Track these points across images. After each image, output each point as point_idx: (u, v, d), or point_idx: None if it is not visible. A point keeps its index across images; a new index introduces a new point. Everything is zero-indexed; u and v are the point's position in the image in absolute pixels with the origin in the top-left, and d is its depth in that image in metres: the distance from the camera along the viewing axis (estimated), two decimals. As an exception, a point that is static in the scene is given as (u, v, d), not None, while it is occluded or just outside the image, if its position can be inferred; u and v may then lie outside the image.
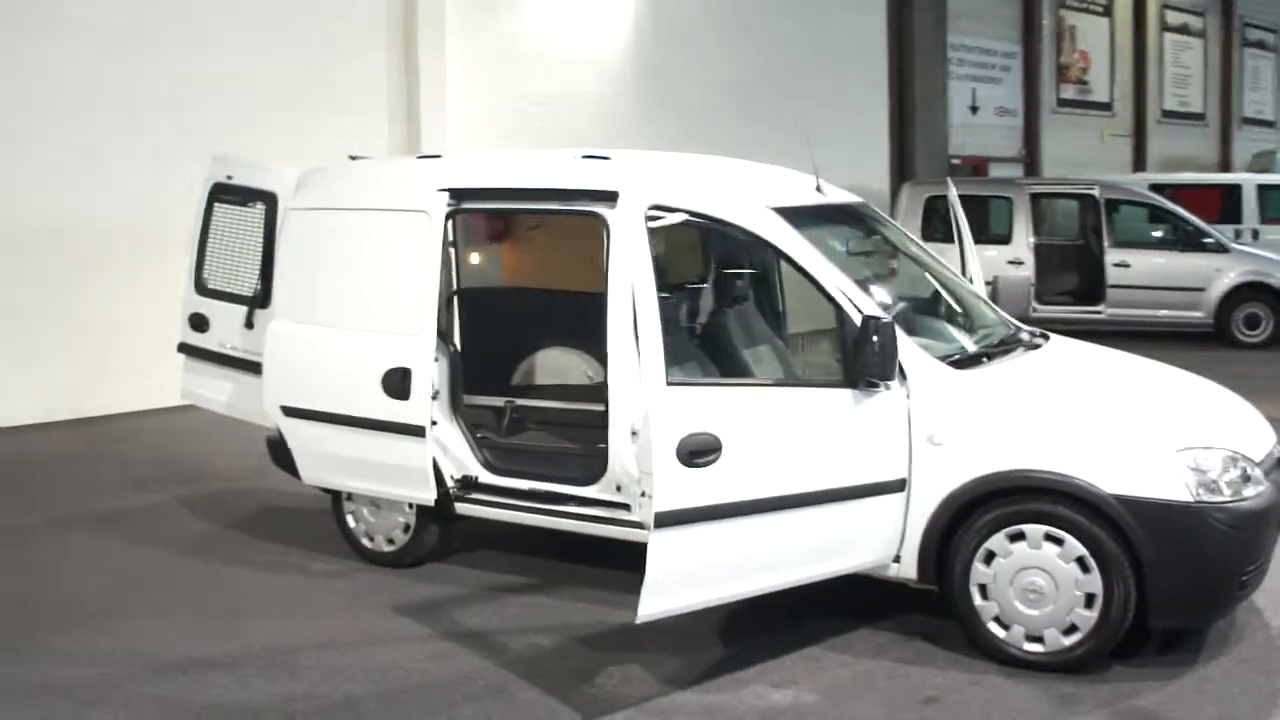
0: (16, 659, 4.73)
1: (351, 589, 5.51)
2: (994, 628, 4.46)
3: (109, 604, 5.35)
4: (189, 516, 6.70)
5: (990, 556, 4.43)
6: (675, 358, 4.08)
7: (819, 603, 4.99)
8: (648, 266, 3.83)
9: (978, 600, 4.47)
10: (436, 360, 5.38)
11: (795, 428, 4.25)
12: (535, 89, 12.32)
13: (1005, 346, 5.17)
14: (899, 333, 4.53)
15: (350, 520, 5.88)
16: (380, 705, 4.28)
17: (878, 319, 4.26)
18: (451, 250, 6.01)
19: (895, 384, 4.48)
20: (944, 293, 5.74)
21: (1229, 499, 4.24)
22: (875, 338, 4.22)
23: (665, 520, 3.83)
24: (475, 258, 6.55)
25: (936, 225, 13.08)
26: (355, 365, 5.47)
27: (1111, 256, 12.37)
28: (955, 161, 16.52)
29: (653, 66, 13.04)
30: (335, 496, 5.91)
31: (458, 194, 5.39)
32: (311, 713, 4.23)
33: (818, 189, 5.39)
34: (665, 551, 3.86)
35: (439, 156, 5.61)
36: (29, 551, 6.15)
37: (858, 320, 4.32)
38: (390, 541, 5.77)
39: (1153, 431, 4.37)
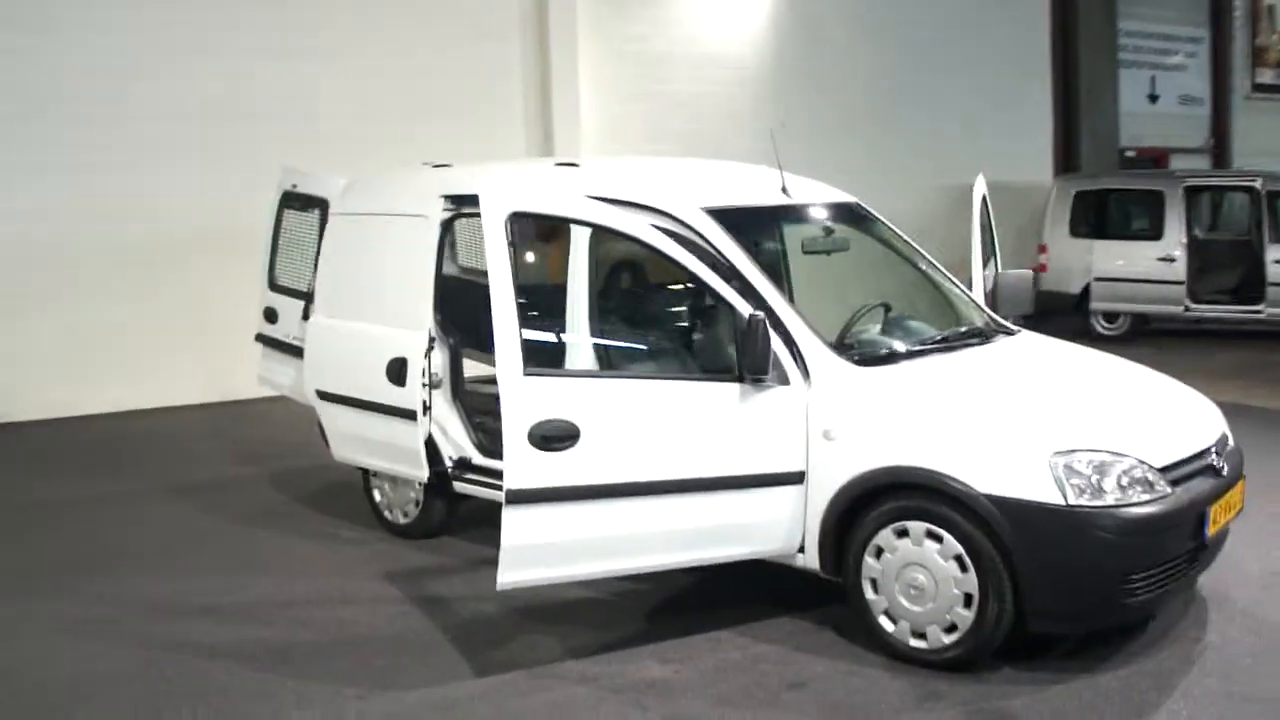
0: (49, 597, 5.60)
1: (360, 555, 6.12)
2: (884, 621, 4.54)
3: (153, 558, 6.19)
4: (264, 489, 7.54)
5: (880, 551, 4.51)
6: (546, 350, 4.39)
7: (753, 590, 5.21)
8: (505, 266, 4.19)
9: (869, 594, 4.56)
10: (438, 350, 5.90)
11: (671, 419, 4.47)
12: (671, 90, 12.64)
13: (946, 343, 5.19)
14: (805, 331, 4.71)
15: (376, 494, 6.51)
16: (313, 651, 4.85)
17: (752, 316, 4.43)
18: (511, 250, 6.55)
19: (799, 379, 4.65)
20: (920, 290, 5.78)
21: (1111, 504, 4.15)
22: (749, 333, 4.40)
23: (515, 498, 4.17)
24: (529, 257, 7.04)
25: (1085, 220, 12.56)
26: (368, 355, 6.05)
27: (1273, 253, 11.48)
28: (1129, 153, 15.60)
29: (791, 64, 13.10)
30: (364, 473, 6.55)
31: (457, 200, 5.89)
32: (259, 652, 4.84)
33: (783, 190, 5.54)
34: (517, 527, 4.20)
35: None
36: (115, 511, 7.13)
37: (740, 317, 4.51)
38: (405, 515, 6.35)
39: (1031, 433, 4.32)
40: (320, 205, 6.90)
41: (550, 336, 4.89)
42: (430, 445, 5.83)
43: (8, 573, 6.00)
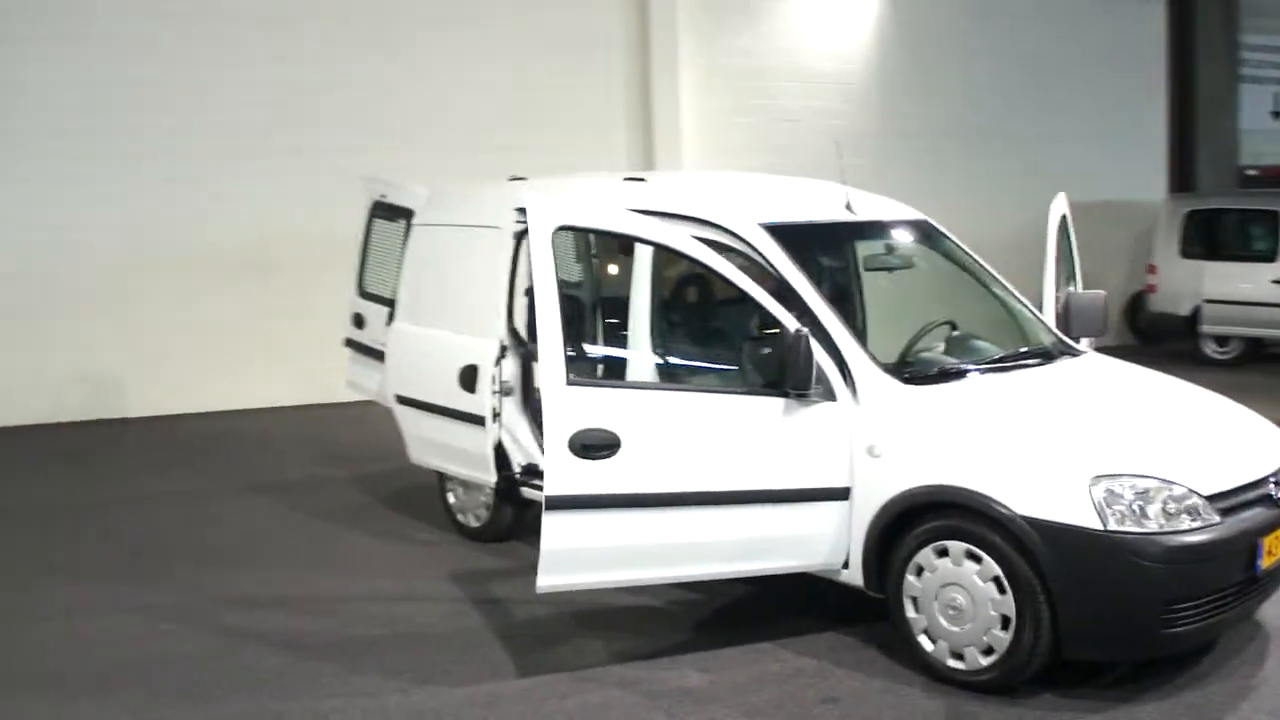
0: (130, 583, 5.96)
1: (430, 556, 6.33)
2: (923, 640, 4.52)
3: (232, 551, 6.52)
4: (348, 489, 7.84)
5: (920, 570, 4.50)
6: (596, 361, 4.49)
7: (802, 604, 5.25)
8: (550, 278, 4.32)
9: (910, 612, 4.55)
10: (509, 359, 6.08)
11: (714, 431, 4.53)
12: (774, 104, 12.65)
13: (1002, 364, 5.15)
14: (854, 347, 4.73)
15: (450, 498, 6.72)
16: (367, 644, 5.05)
17: (796, 331, 4.48)
18: (594, 261, 6.74)
19: (846, 396, 4.67)
20: (987, 309, 5.73)
21: (1154, 531, 4.06)
22: (791, 348, 4.44)
23: (555, 504, 4.29)
24: (612, 269, 7.20)
25: (1196, 240, 12.14)
26: (442, 361, 6.25)
27: (1400, 277, 10.93)
28: (1251, 172, 14.99)
29: (896, 78, 12.98)
30: (440, 477, 6.77)
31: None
32: (317, 643, 5.08)
33: (848, 207, 5.56)
34: (557, 532, 4.32)
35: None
36: (203, 506, 7.52)
37: (785, 332, 4.55)
38: (476, 518, 6.54)
39: (1073, 456, 4.25)
40: (406, 215, 7.15)
41: (602, 348, 5.01)
42: (499, 451, 6.00)
43: (96, 560, 6.40)
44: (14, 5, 10.14)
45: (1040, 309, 5.94)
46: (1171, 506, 4.14)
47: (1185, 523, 4.12)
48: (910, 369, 4.86)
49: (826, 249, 5.70)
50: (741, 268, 5.02)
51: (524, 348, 6.23)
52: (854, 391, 4.68)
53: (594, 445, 4.33)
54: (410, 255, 6.77)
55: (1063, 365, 5.31)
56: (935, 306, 5.80)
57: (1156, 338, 13.00)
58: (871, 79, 12.94)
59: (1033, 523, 4.16)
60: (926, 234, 5.95)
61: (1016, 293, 5.90)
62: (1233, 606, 4.32)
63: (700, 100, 12.34)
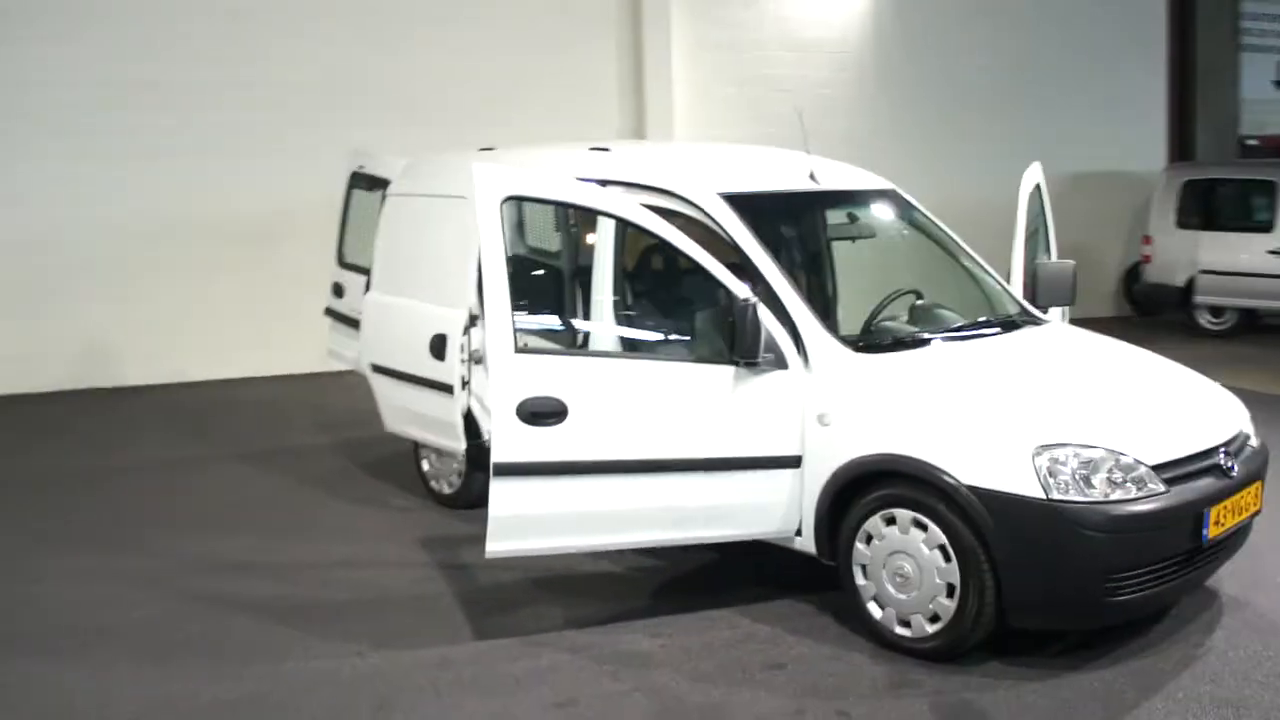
0: (111, 549, 6.04)
1: (403, 522, 6.39)
2: (872, 607, 4.56)
3: (215, 517, 6.59)
4: (334, 456, 7.91)
5: (869, 538, 4.53)
6: (551, 330, 4.52)
7: (765, 571, 5.29)
8: (499, 248, 4.33)
9: (859, 579, 4.59)
10: (478, 327, 6.10)
11: (663, 399, 4.55)
12: (770, 74, 12.56)
13: (960, 332, 5.15)
14: (807, 316, 4.74)
15: (424, 465, 6.78)
16: (333, 609, 5.12)
17: (743, 300, 4.49)
18: (572, 231, 6.74)
19: (798, 364, 4.69)
20: (954, 278, 5.73)
21: (1096, 500, 4.08)
22: (738, 317, 4.46)
23: (502, 470, 4.33)
24: (590, 239, 7.20)
25: (1192, 210, 12.06)
26: (413, 330, 6.28)
27: (1393, 248, 10.84)
28: (1252, 142, 14.82)
29: (891, 48, 12.86)
30: (415, 444, 6.82)
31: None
32: (283, 608, 5.15)
33: (811, 176, 5.55)
34: (505, 498, 4.36)
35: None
36: (194, 473, 7.58)
37: (735, 301, 4.56)
38: (449, 485, 6.59)
39: (1017, 424, 4.26)
40: (383, 185, 7.17)
41: (566, 317, 5.03)
42: (469, 419, 6.04)
43: (82, 526, 6.48)
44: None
45: (1009, 279, 5.95)
46: (1117, 475, 4.15)
47: (1130, 492, 4.13)
48: (862, 338, 4.87)
49: (788, 218, 5.71)
50: (702, 238, 5.04)
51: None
52: (806, 360, 4.70)
53: (541, 413, 4.36)
54: (384, 225, 6.80)
55: (1023, 335, 5.31)
56: (901, 276, 5.81)
57: (1152, 309, 12.94)
58: (865, 47, 12.84)
59: (976, 491, 4.17)
60: (894, 203, 5.94)
61: (983, 262, 5.89)
62: (1179, 576, 4.33)
63: (692, 71, 12.27)
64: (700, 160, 5.81)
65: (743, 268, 4.88)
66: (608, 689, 4.28)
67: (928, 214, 5.97)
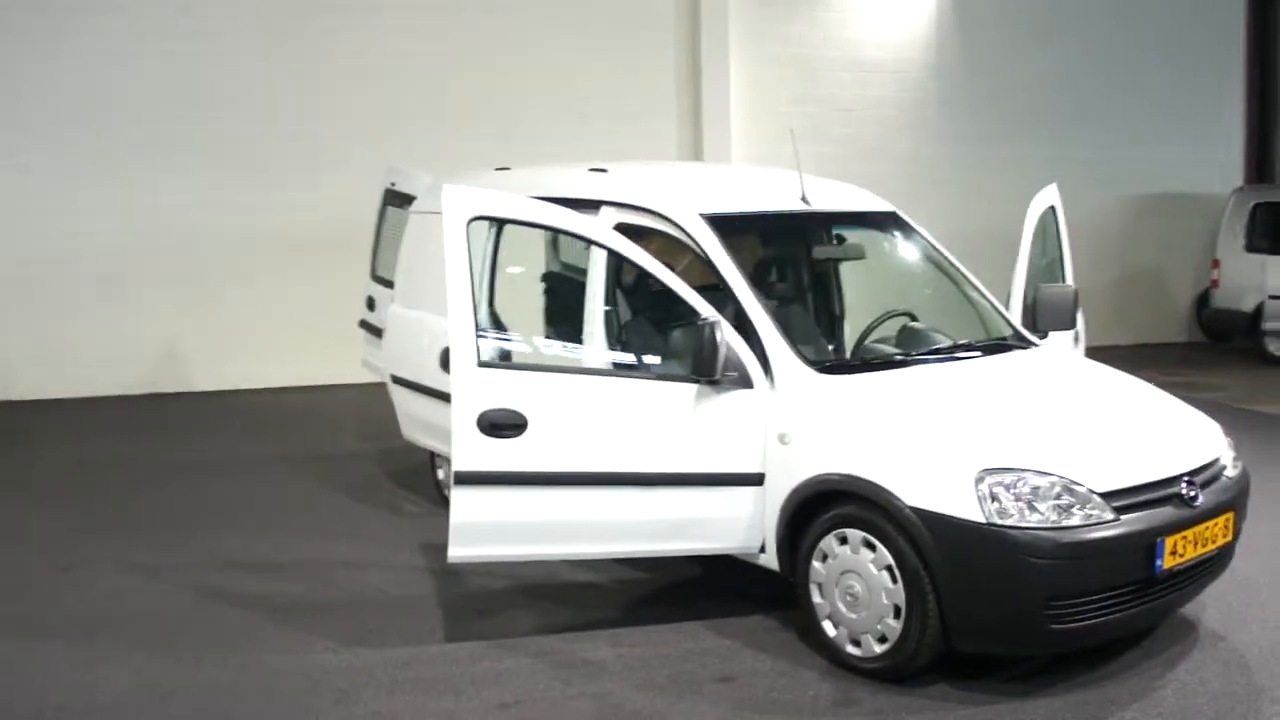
0: (141, 544, 6.38)
1: (411, 527, 6.62)
2: (827, 626, 4.60)
3: (243, 517, 6.90)
4: (368, 463, 8.20)
5: (825, 556, 4.57)
6: (496, 344, 4.69)
7: (747, 587, 5.35)
8: (463, 265, 4.51)
9: (816, 598, 4.63)
10: (489, 340, 6.29)
11: (624, 414, 4.66)
12: (829, 93, 12.59)
13: (936, 355, 5.18)
14: (775, 337, 4.81)
15: (439, 474, 7.01)
16: (323, 607, 5.36)
17: (703, 320, 4.58)
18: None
19: (763, 383, 4.76)
20: (944, 300, 5.74)
21: (1035, 525, 4.06)
22: (696, 337, 4.55)
23: (462, 479, 4.49)
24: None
25: (1262, 234, 11.68)
26: (425, 343, 6.50)
27: None
28: (1337, 165, 14.28)
29: (955, 68, 12.76)
30: (431, 453, 7.05)
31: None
32: (282, 604, 5.40)
33: (803, 198, 5.61)
34: (465, 506, 4.52)
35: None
36: (235, 475, 7.95)
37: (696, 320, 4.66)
38: (460, 493, 6.81)
39: (962, 448, 4.26)
40: (411, 202, 7.45)
41: (527, 332, 5.20)
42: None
43: (116, 522, 6.85)
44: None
45: (1010, 301, 5.91)
46: (1063, 502, 4.13)
47: (1075, 519, 4.10)
48: (826, 359, 4.91)
49: (776, 238, 5.76)
50: (686, 257, 5.15)
51: (503, 332, 6.45)
52: (771, 380, 4.77)
53: (501, 424, 4.52)
54: (406, 241, 7.06)
55: (1004, 359, 5.29)
56: (895, 298, 5.85)
57: (1220, 334, 12.55)
58: (928, 67, 12.77)
59: (920, 513, 4.20)
60: (894, 225, 5.96)
61: (981, 286, 5.87)
62: (1132, 606, 4.27)
63: (751, 91, 12.36)
64: (691, 181, 5.91)
65: (717, 287, 4.98)
66: (555, 694, 4.40)
67: (927, 236, 5.97)
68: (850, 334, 5.88)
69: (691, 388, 4.71)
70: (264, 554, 6.20)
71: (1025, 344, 5.52)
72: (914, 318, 5.78)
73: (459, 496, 4.53)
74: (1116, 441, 4.55)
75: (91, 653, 4.87)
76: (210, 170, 11.03)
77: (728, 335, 4.68)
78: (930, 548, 4.17)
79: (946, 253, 5.97)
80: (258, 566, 6.00)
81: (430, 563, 5.98)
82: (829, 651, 4.59)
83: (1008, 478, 4.14)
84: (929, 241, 5.95)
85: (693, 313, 4.71)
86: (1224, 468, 4.70)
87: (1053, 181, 6.58)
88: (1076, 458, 4.29)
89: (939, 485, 4.19)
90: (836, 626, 4.55)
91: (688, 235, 5.17)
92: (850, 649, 4.50)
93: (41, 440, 9.40)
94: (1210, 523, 4.42)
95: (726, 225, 5.21)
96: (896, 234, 5.96)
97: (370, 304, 7.94)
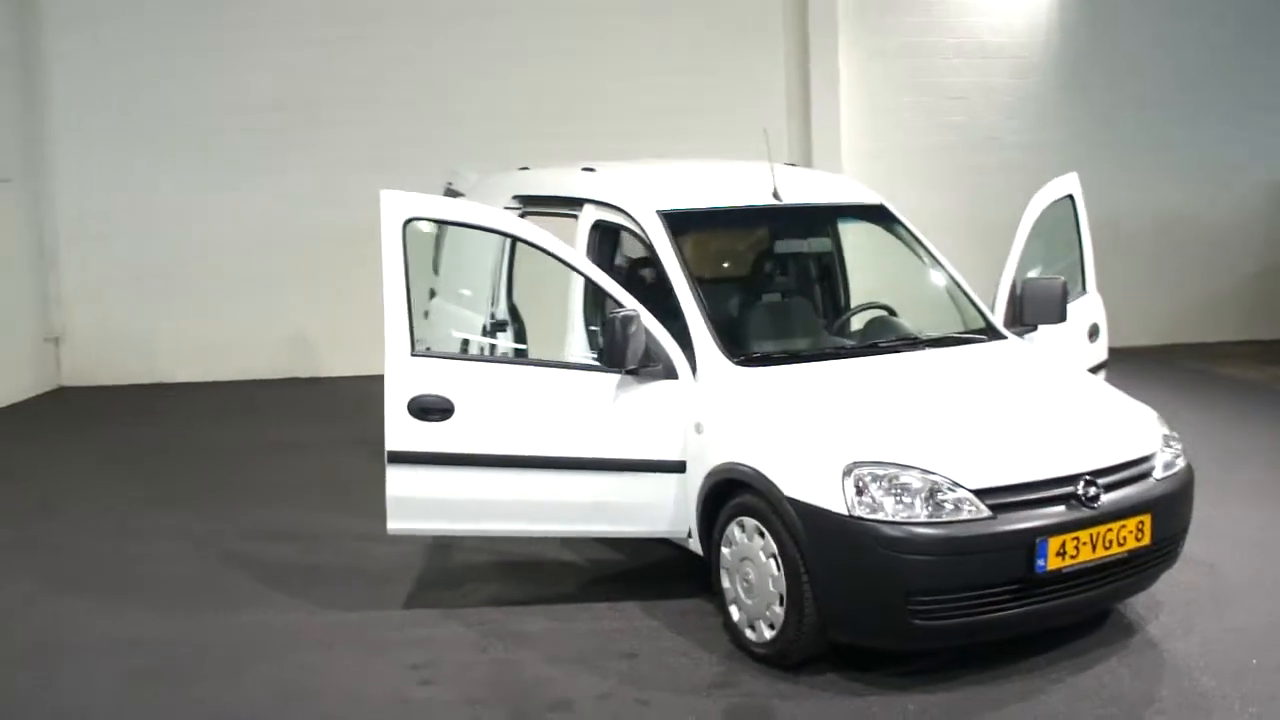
0: (186, 514, 7.02)
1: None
2: (733, 610, 4.75)
3: (290, 493, 7.50)
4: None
5: (731, 542, 4.72)
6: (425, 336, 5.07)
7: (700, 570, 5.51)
8: (399, 263, 4.88)
9: (725, 582, 4.78)
10: (507, 331, 6.70)
11: (549, 401, 4.95)
12: (944, 82, 12.27)
13: (874, 348, 5.24)
14: (702, 330, 4.98)
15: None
16: (319, 575, 5.87)
17: (619, 312, 4.79)
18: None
19: (687, 374, 4.95)
20: (921, 292, 5.75)
21: (897, 520, 4.09)
22: (609, 329, 4.78)
23: (394, 458, 4.90)
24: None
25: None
26: (453, 334, 6.98)
27: None
28: None
29: (1076, 51, 12.15)
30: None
31: (523, 199, 6.64)
32: (288, 571, 5.96)
33: (774, 194, 5.71)
34: (398, 483, 4.93)
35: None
36: (300, 455, 8.56)
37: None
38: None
39: (836, 441, 4.31)
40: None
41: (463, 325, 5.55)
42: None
43: (191, 495, 7.52)
44: None
45: (995, 294, 5.83)
46: (936, 497, 4.13)
47: (944, 514, 4.11)
48: (744, 352, 5.01)
49: (742, 234, 5.88)
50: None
51: (518, 323, 6.83)
52: (695, 371, 4.94)
53: (429, 409, 4.89)
54: (449, 239, 7.53)
55: (955, 351, 5.30)
56: (873, 290, 5.89)
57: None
58: (1048, 51, 12.23)
59: (794, 504, 4.30)
60: (876, 217, 5.98)
61: (960, 279, 5.80)
62: (1012, 606, 4.21)
63: (862, 81, 12.19)
64: (664, 178, 6.09)
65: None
66: (467, 659, 4.76)
67: (911, 228, 5.94)
68: (823, 326, 5.91)
69: (615, 377, 4.94)
70: (290, 526, 6.73)
71: (995, 336, 5.44)
72: (892, 311, 5.79)
73: (392, 474, 4.94)
74: (1011, 439, 4.49)
75: (98, 605, 5.53)
76: (339, 166, 11.77)
77: (649, 327, 4.89)
78: (803, 538, 4.27)
79: (931, 246, 5.93)
80: (280, 536, 6.55)
81: (433, 539, 6.40)
82: (732, 635, 4.74)
83: (875, 470, 4.18)
84: (912, 233, 5.92)
85: (618, 305, 4.94)
86: (1150, 469, 4.55)
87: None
88: (955, 454, 4.28)
89: (811, 477, 4.28)
90: (739, 611, 4.70)
91: (642, 230, 5.39)
92: (749, 633, 4.63)
93: (168, 419, 10.29)
94: (1115, 524, 4.30)
95: (683, 221, 5.40)
96: (880, 227, 5.97)
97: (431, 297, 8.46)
